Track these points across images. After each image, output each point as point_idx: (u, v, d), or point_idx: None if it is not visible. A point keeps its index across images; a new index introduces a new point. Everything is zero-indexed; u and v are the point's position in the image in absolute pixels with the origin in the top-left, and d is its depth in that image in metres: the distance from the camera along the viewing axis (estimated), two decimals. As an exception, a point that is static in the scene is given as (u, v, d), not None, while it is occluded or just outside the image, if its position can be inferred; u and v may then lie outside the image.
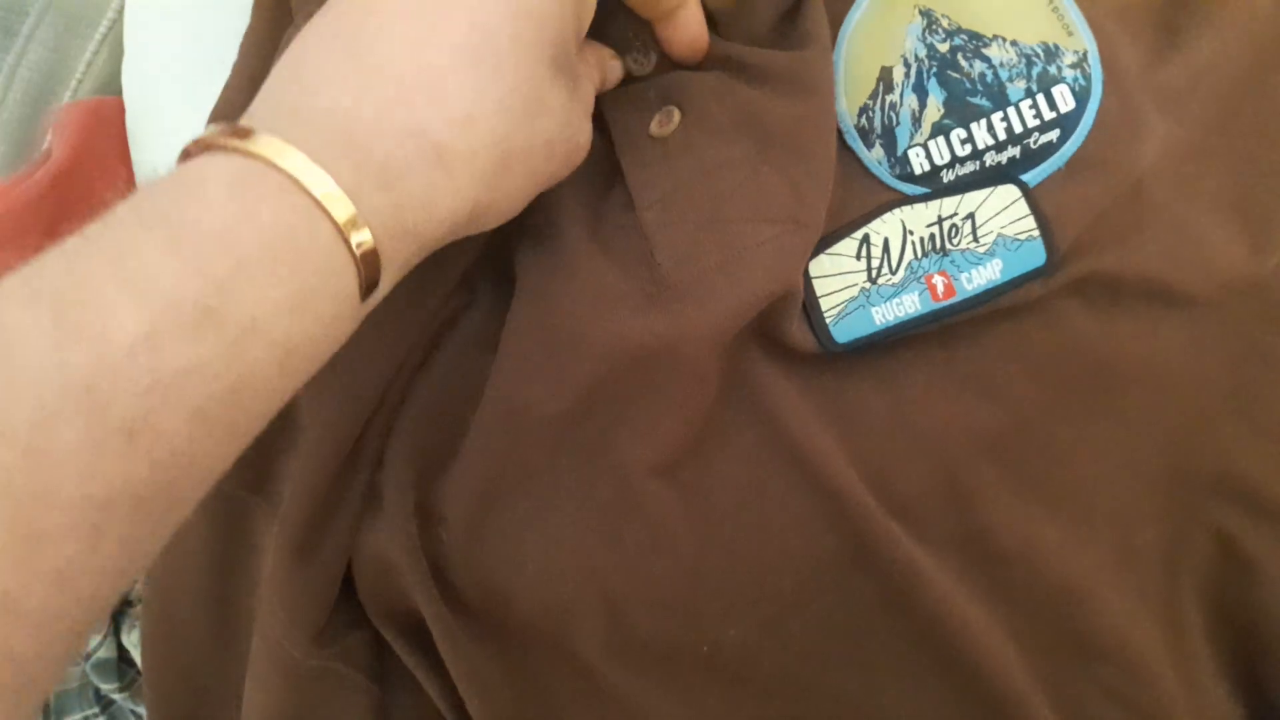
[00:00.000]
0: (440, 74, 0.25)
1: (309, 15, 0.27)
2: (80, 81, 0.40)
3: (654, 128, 0.33)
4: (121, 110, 0.40)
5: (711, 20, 0.33)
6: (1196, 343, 0.34)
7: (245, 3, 0.39)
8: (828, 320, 0.32)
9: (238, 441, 0.23)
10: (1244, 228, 0.34)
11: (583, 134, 0.30)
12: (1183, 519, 0.34)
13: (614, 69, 0.33)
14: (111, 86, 0.41)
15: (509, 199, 0.28)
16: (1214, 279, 0.33)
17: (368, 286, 0.24)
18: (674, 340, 0.31)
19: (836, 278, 0.33)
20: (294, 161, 0.23)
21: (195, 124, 0.38)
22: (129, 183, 0.40)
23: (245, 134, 0.23)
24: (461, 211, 0.26)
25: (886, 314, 0.32)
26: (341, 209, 0.23)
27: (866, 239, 0.33)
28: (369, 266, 0.24)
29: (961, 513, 0.34)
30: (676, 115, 0.32)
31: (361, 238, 0.24)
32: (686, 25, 0.32)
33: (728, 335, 0.31)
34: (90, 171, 0.38)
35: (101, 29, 0.41)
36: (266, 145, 0.23)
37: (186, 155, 0.24)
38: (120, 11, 0.41)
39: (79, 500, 0.20)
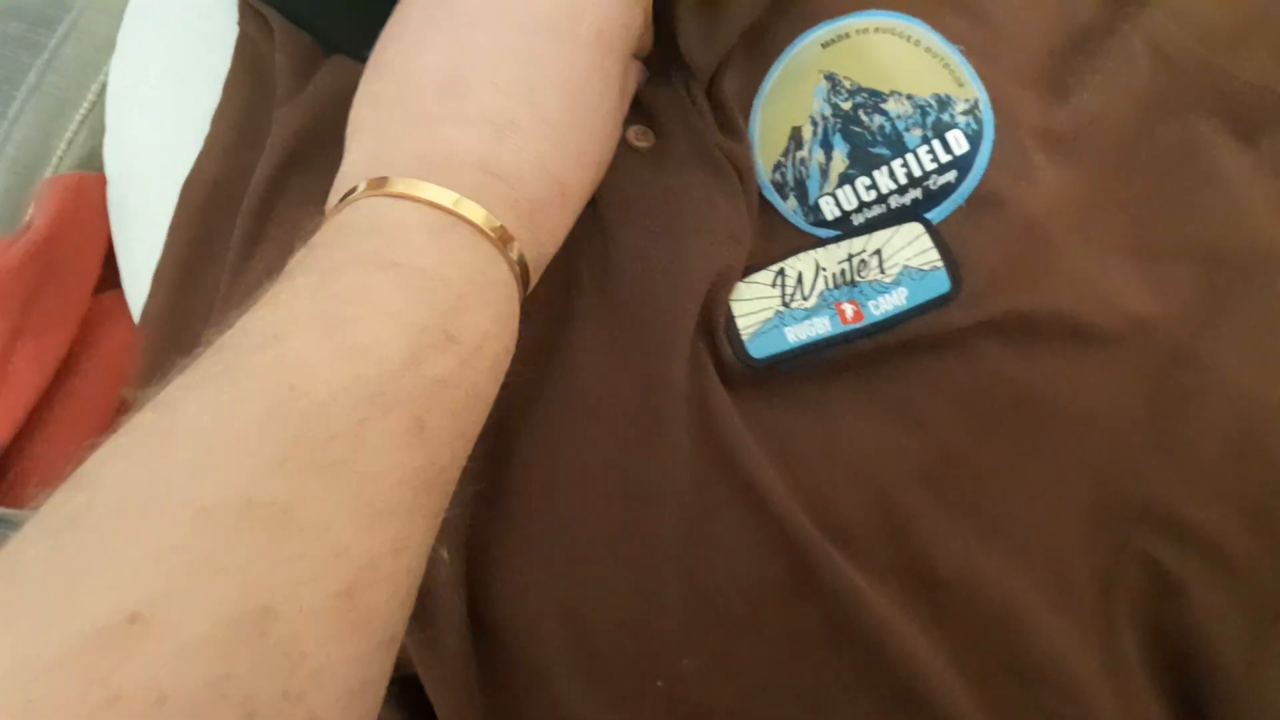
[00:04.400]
0: (555, 118, 0.30)
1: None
2: (61, 158, 0.44)
3: (631, 138, 0.36)
4: (102, 184, 0.43)
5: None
6: (1112, 378, 0.36)
7: (217, 82, 0.42)
8: (743, 337, 0.35)
9: (473, 438, 0.28)
10: (1145, 268, 0.37)
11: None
12: (1113, 547, 0.35)
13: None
14: (91, 163, 0.44)
15: (590, 193, 0.33)
16: (1122, 317, 0.36)
17: (523, 293, 0.30)
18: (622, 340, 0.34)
19: (753, 301, 0.35)
20: (475, 212, 0.28)
21: (172, 195, 0.41)
22: (105, 253, 0.42)
23: (421, 186, 0.28)
24: (569, 225, 0.32)
25: (799, 334, 0.35)
26: (514, 250, 0.29)
27: (782, 272, 0.36)
28: (526, 287, 0.30)
29: (899, 541, 0.35)
30: (651, 136, 0.36)
31: (520, 264, 0.29)
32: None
33: (670, 337, 0.34)
34: (70, 242, 0.41)
35: (82, 110, 0.44)
36: (457, 201, 0.28)
37: (351, 194, 0.28)
38: (100, 94, 0.44)
39: (396, 484, 0.24)
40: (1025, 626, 0.34)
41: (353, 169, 0.30)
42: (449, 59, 0.30)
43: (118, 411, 0.41)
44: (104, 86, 0.44)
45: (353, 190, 0.29)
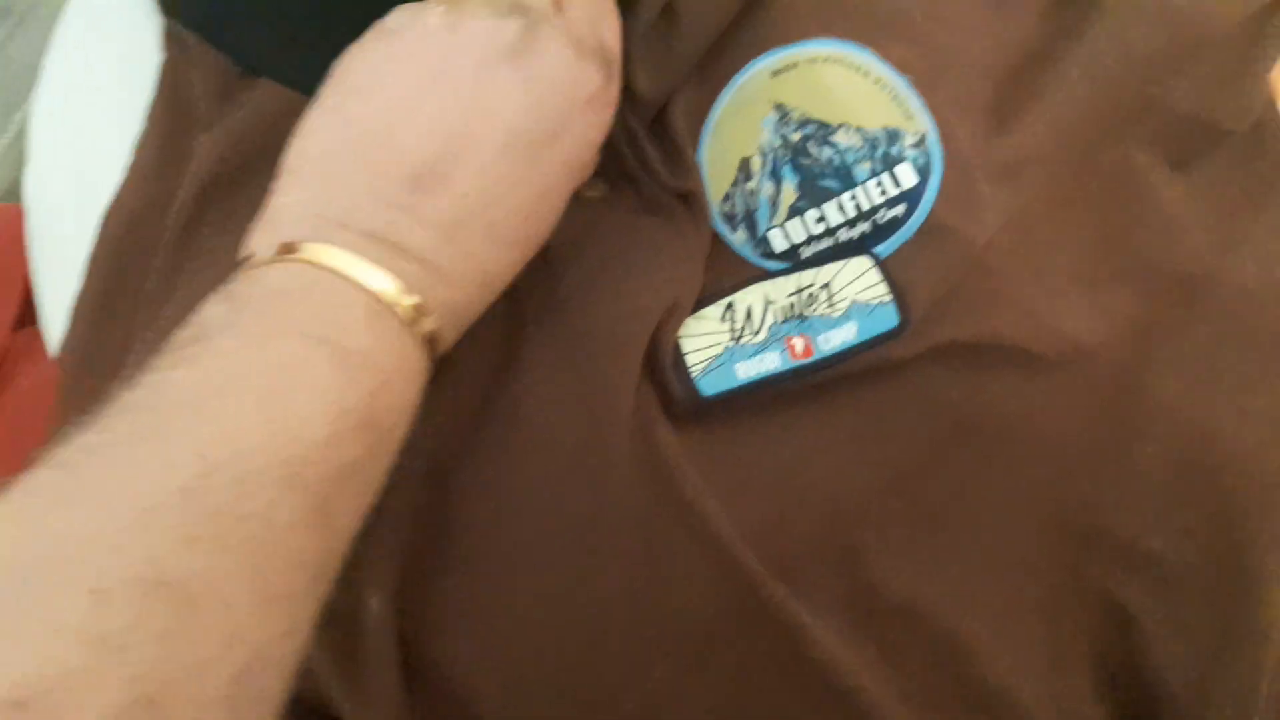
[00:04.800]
0: (502, 230, 0.30)
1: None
2: (-20, 189, 0.42)
3: (582, 189, 0.35)
4: (19, 216, 0.41)
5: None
6: (1057, 405, 0.36)
7: (140, 110, 0.41)
8: (693, 374, 0.34)
9: (360, 522, 0.27)
10: (1088, 295, 0.37)
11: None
12: (1062, 574, 0.36)
13: None
14: (11, 195, 0.42)
15: (529, 252, 0.33)
16: (1064, 343, 0.36)
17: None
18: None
19: (702, 337, 0.35)
20: (411, 310, 0.28)
21: (93, 226, 0.39)
22: (24, 281, 0.40)
23: (360, 265, 0.27)
24: (495, 281, 0.32)
25: (750, 369, 0.34)
26: (441, 342, 0.29)
27: (731, 306, 0.35)
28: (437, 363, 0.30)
29: (848, 572, 0.35)
30: (602, 186, 0.36)
31: (434, 342, 0.29)
32: None
33: (615, 373, 0.33)
34: (-15, 274, 0.39)
35: (4, 141, 0.42)
36: (392, 290, 0.28)
37: (287, 250, 0.28)
38: (21, 126, 0.43)
39: (297, 567, 0.24)
40: (974, 656, 0.34)
41: (290, 215, 0.29)
42: (423, 146, 0.29)
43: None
44: (26, 118, 0.43)
45: (291, 248, 0.28)
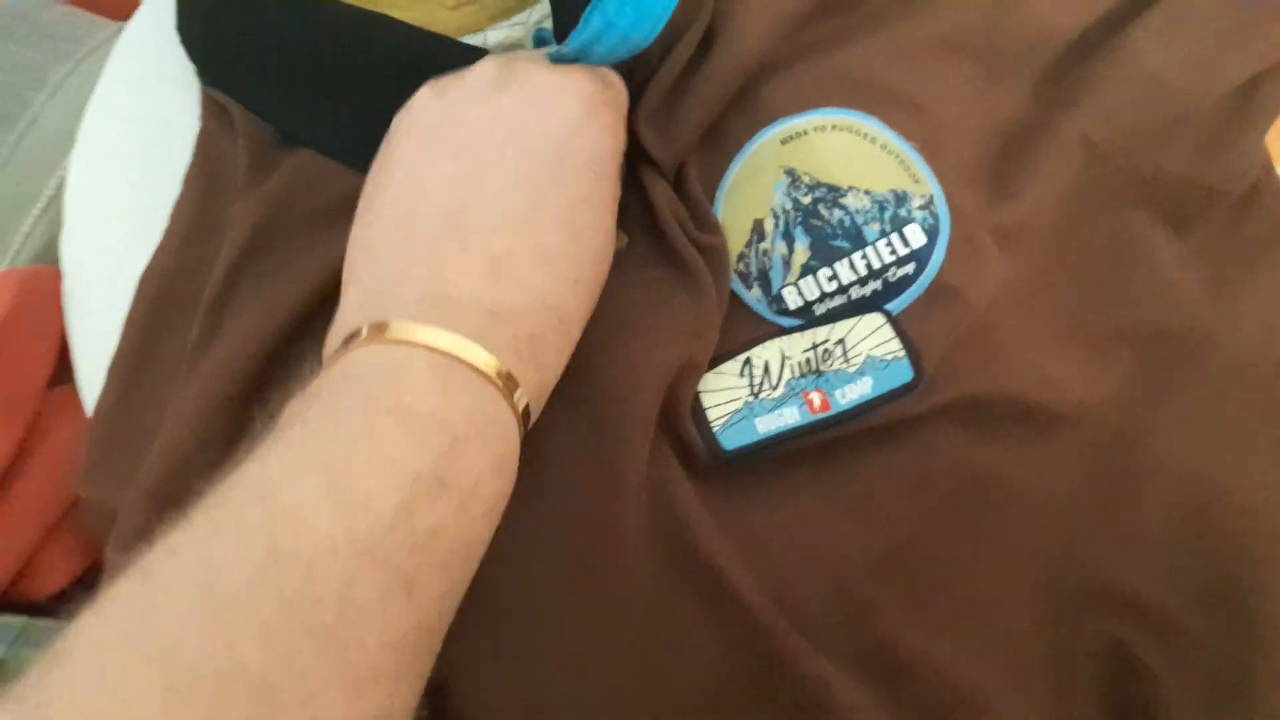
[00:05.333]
0: (551, 250, 0.30)
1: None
2: (18, 252, 0.43)
3: None
4: (57, 278, 0.42)
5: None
6: (1062, 461, 0.37)
7: (177, 177, 0.42)
8: (714, 429, 0.35)
9: (464, 590, 0.27)
10: (1088, 353, 0.38)
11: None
12: (1071, 629, 0.36)
13: None
14: (47, 256, 0.44)
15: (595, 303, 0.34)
16: (1066, 400, 0.37)
17: (523, 433, 0.30)
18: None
19: (722, 392, 0.36)
20: (478, 356, 0.28)
21: (129, 289, 0.40)
22: (59, 347, 0.41)
23: (410, 328, 0.28)
24: (569, 352, 0.32)
25: (769, 424, 0.35)
26: (519, 395, 0.29)
27: (749, 361, 0.36)
28: (527, 422, 0.30)
29: (859, 628, 0.35)
30: (623, 237, 0.37)
31: (520, 398, 0.29)
32: None
33: (630, 431, 0.34)
34: (22, 335, 0.40)
35: (40, 204, 0.44)
36: (451, 342, 0.27)
37: (354, 338, 0.28)
38: (57, 189, 0.44)
39: (382, 647, 0.23)
40: (987, 709, 0.34)
41: (351, 315, 0.30)
42: (446, 201, 0.30)
43: (70, 508, 0.40)
44: (62, 181, 0.44)
45: (354, 336, 0.28)
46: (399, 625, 0.23)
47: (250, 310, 0.38)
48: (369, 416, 0.26)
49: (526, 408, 0.29)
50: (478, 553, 0.28)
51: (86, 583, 0.38)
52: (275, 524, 0.23)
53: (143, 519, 0.37)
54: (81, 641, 0.21)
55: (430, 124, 0.32)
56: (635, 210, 0.37)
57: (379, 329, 0.28)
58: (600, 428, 0.34)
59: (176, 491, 0.37)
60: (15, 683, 0.20)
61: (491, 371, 0.28)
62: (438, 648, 0.26)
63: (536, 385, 0.30)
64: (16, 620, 0.39)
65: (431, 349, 0.27)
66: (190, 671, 0.20)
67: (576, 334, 0.32)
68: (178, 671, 0.20)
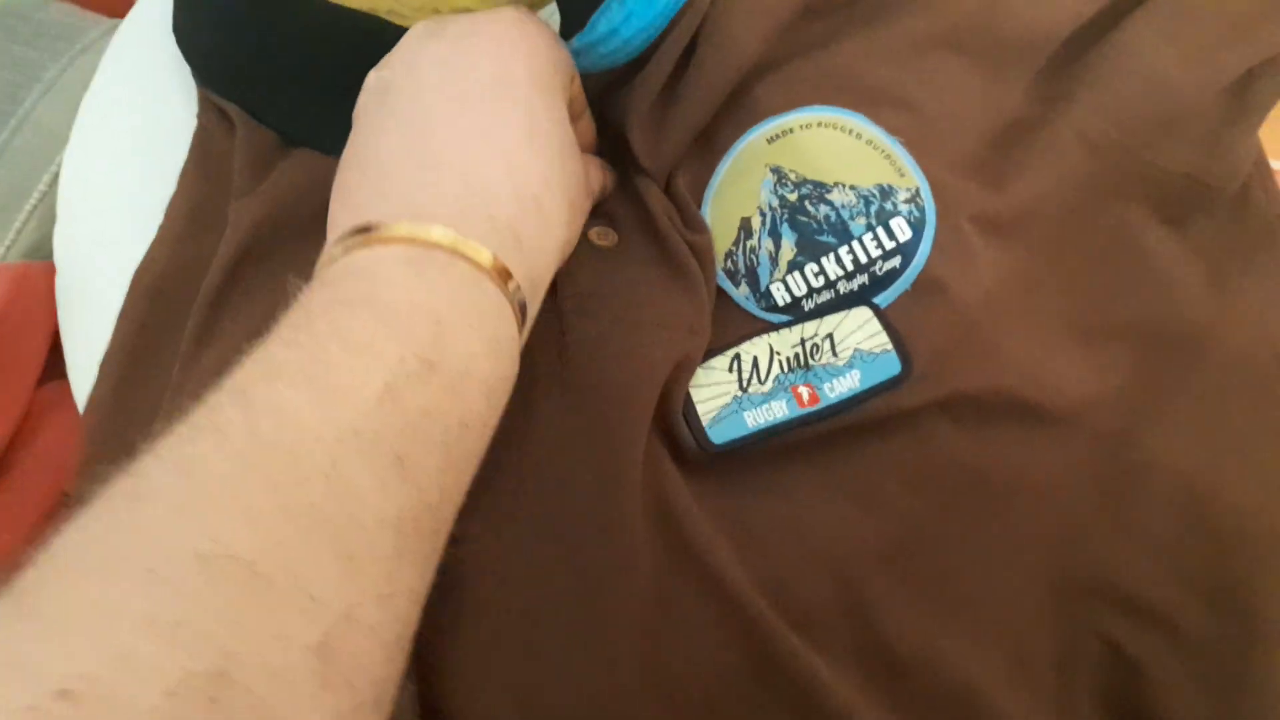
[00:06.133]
0: (515, 149, 0.31)
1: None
2: (9, 247, 0.43)
3: (594, 237, 0.37)
4: (50, 273, 0.43)
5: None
6: (1062, 457, 0.37)
7: (171, 174, 0.42)
8: (704, 423, 0.35)
9: (469, 471, 0.27)
10: (1085, 349, 0.38)
11: (592, 180, 0.37)
12: (1071, 626, 0.36)
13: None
14: (40, 251, 0.44)
15: (575, 233, 0.34)
16: (1066, 396, 0.37)
17: (521, 326, 0.30)
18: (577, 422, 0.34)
19: (711, 387, 0.36)
20: (453, 239, 0.28)
21: (122, 285, 0.41)
22: (51, 343, 0.42)
23: (395, 226, 0.28)
24: (557, 251, 0.32)
25: (758, 418, 0.35)
26: (502, 274, 0.29)
27: (738, 356, 0.36)
28: (522, 309, 0.30)
29: (859, 622, 0.35)
30: (614, 235, 0.37)
31: (513, 287, 0.29)
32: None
33: (627, 425, 0.34)
34: (14, 329, 0.40)
35: (32, 200, 0.44)
36: (427, 231, 0.28)
37: (340, 249, 0.28)
38: (51, 184, 0.44)
39: (377, 525, 0.23)
40: (985, 708, 0.34)
41: (332, 235, 0.30)
42: (404, 133, 0.31)
43: (58, 506, 0.40)
44: (55, 177, 0.44)
45: (335, 251, 0.29)
46: (395, 503, 0.23)
47: (249, 310, 0.38)
48: (346, 311, 0.26)
49: (523, 300, 0.30)
50: (479, 435, 0.28)
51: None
52: (255, 418, 0.23)
53: None
54: (71, 535, 0.21)
55: (379, 90, 0.33)
56: (629, 210, 0.38)
57: (359, 235, 0.28)
58: (597, 425, 0.34)
59: None
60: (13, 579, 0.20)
61: (476, 256, 0.28)
62: (444, 530, 0.26)
63: (525, 273, 0.30)
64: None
65: (410, 241, 0.28)
66: (171, 556, 0.20)
67: (558, 233, 0.32)
68: (159, 555, 0.20)
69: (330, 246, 0.30)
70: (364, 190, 0.31)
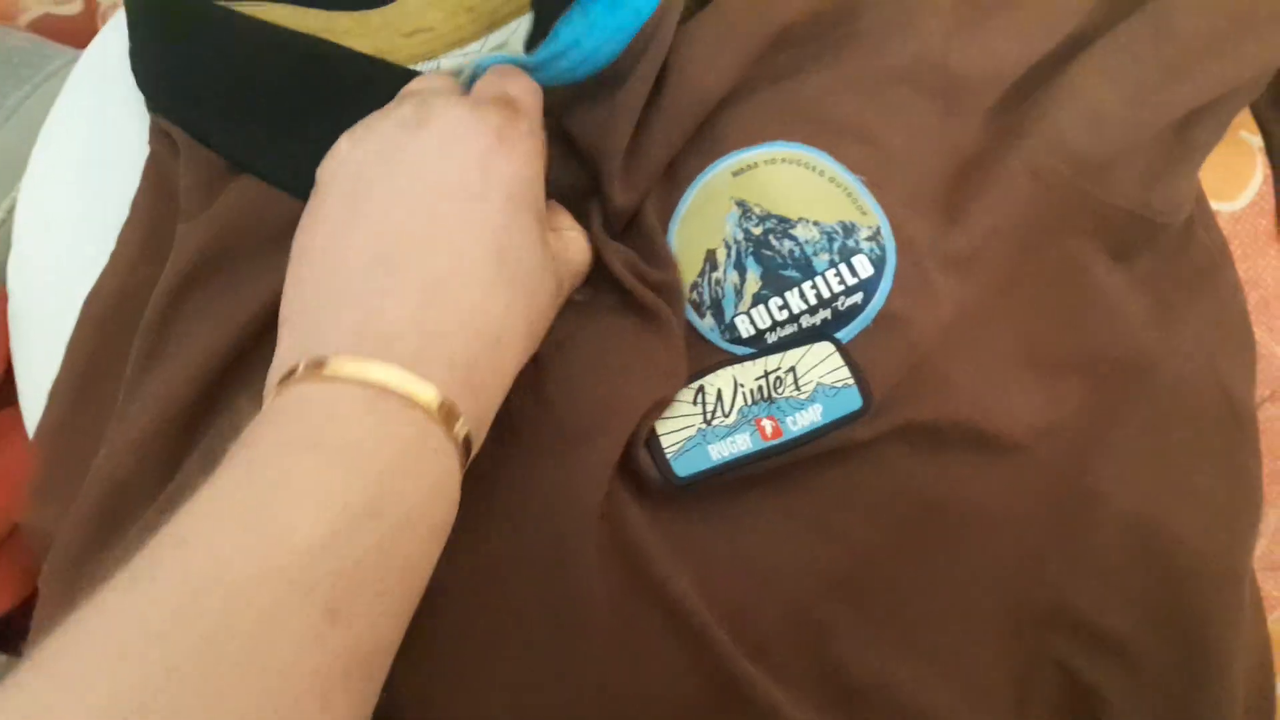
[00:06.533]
0: (483, 281, 0.31)
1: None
2: (-35, 275, 0.43)
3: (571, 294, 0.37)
4: (3, 300, 0.42)
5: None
6: (1016, 485, 0.38)
7: (125, 200, 0.42)
8: (668, 456, 0.35)
9: (406, 614, 0.27)
10: (1038, 380, 0.39)
11: (574, 262, 0.37)
12: (1026, 654, 0.37)
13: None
14: (-6, 279, 0.43)
15: (539, 336, 0.34)
16: (1020, 424, 0.38)
17: (464, 463, 0.29)
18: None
19: (675, 419, 0.36)
20: (410, 385, 0.28)
21: (74, 312, 0.40)
22: (5, 362, 0.41)
23: (345, 364, 0.28)
24: (511, 378, 0.32)
25: (722, 451, 0.36)
26: (449, 416, 0.28)
27: (702, 389, 0.37)
28: (468, 447, 0.29)
29: (815, 651, 0.35)
30: (587, 290, 0.38)
31: (460, 428, 0.29)
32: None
33: (591, 461, 0.34)
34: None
35: (-12, 229, 0.43)
36: (377, 372, 0.27)
37: (289, 376, 0.28)
38: (9, 213, 0.44)
39: (309, 673, 0.23)
40: None
41: (286, 354, 0.30)
42: (374, 245, 0.31)
43: (11, 534, 0.39)
44: (14, 204, 0.44)
45: (289, 375, 0.28)
46: (328, 651, 0.23)
47: (192, 335, 0.38)
48: (292, 454, 0.26)
49: (468, 436, 0.29)
50: (419, 577, 0.28)
51: (29, 609, 0.37)
52: (190, 567, 0.23)
53: (79, 547, 0.37)
54: (5, 689, 0.21)
55: (351, 174, 0.32)
56: (601, 261, 0.38)
57: (312, 367, 0.28)
58: (565, 458, 0.34)
59: (113, 518, 0.37)
60: None
61: (424, 399, 0.28)
62: (379, 676, 0.26)
63: (475, 411, 0.30)
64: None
65: (362, 382, 0.27)
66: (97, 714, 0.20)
67: (513, 360, 0.32)
68: (84, 714, 0.20)
69: (283, 361, 0.29)
70: (320, 299, 0.30)
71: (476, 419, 0.30)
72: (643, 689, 0.34)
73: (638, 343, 0.36)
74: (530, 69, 0.36)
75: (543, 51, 0.35)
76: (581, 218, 0.38)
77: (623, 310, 0.37)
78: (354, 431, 0.26)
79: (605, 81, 0.37)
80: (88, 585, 0.24)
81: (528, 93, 0.35)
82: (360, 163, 0.32)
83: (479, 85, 0.35)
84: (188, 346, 0.38)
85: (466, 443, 0.29)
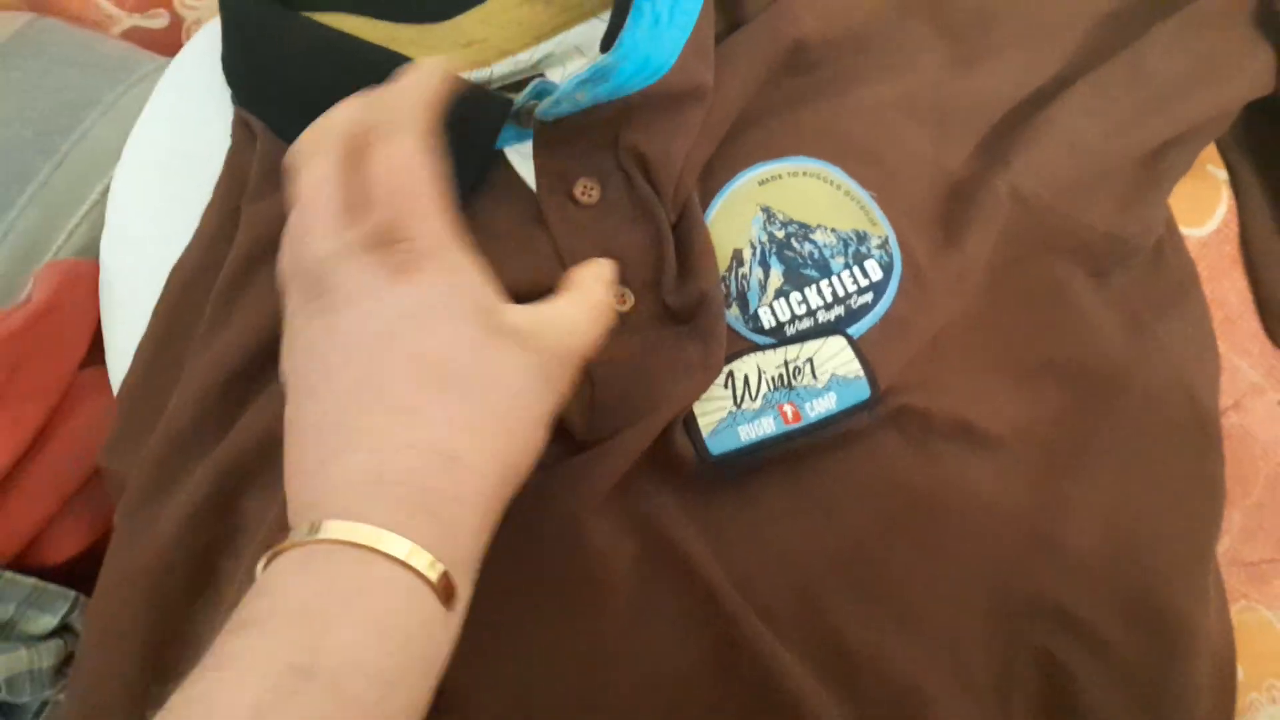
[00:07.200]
0: (397, 403, 0.29)
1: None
2: (61, 246, 0.47)
3: (578, 194, 0.40)
4: (96, 272, 0.46)
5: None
6: (1000, 479, 0.40)
7: (209, 185, 0.46)
8: (704, 434, 0.39)
9: None
10: (1020, 385, 0.42)
11: (563, 330, 0.34)
12: (1009, 641, 0.39)
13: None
14: (88, 252, 0.47)
15: (531, 440, 0.31)
16: (1005, 423, 0.41)
17: (447, 597, 0.27)
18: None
19: (710, 402, 0.39)
20: (339, 529, 0.26)
21: (157, 285, 0.44)
22: (93, 332, 0.45)
23: (291, 535, 0.27)
24: (501, 469, 0.30)
25: (750, 432, 0.39)
26: (406, 549, 0.26)
27: (731, 374, 0.40)
28: (446, 581, 0.27)
29: (815, 621, 0.38)
30: (597, 191, 0.40)
31: (421, 562, 0.26)
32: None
33: (620, 450, 0.37)
34: (62, 318, 0.44)
35: (85, 206, 0.48)
36: (326, 529, 0.26)
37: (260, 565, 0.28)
38: (103, 194, 0.48)
39: None
40: (930, 705, 0.37)
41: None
42: (314, 418, 0.30)
43: (89, 479, 0.43)
44: (107, 188, 0.48)
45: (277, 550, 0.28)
46: None
47: (254, 306, 0.41)
48: (231, 634, 0.25)
49: (448, 580, 0.27)
50: (382, 709, 0.25)
51: (97, 552, 0.41)
52: None
53: (144, 492, 0.40)
54: None
55: (299, 371, 0.31)
56: (641, 270, 0.40)
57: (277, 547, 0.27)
58: (609, 449, 0.37)
59: (171, 466, 0.40)
60: None
61: (358, 539, 0.26)
62: None
63: (437, 534, 0.27)
64: (27, 581, 0.41)
65: (301, 545, 0.27)
66: None
67: (476, 480, 0.29)
68: None
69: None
70: (294, 464, 0.30)
71: (439, 539, 0.27)
72: (654, 646, 0.37)
73: (676, 348, 0.39)
74: (600, 79, 0.39)
75: (602, 62, 0.38)
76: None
77: (664, 318, 0.40)
78: (292, 593, 0.26)
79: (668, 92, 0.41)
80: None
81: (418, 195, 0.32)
82: (300, 362, 0.31)
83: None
84: (248, 315, 0.41)
85: (444, 578, 0.27)
